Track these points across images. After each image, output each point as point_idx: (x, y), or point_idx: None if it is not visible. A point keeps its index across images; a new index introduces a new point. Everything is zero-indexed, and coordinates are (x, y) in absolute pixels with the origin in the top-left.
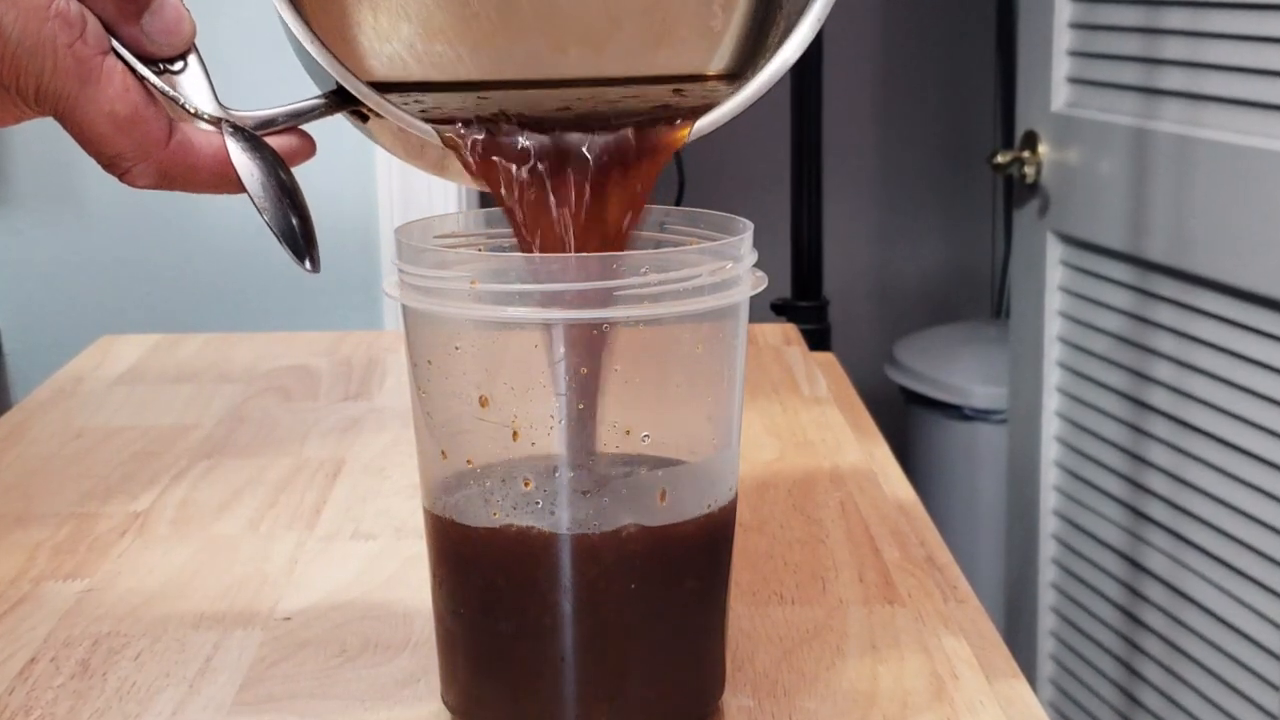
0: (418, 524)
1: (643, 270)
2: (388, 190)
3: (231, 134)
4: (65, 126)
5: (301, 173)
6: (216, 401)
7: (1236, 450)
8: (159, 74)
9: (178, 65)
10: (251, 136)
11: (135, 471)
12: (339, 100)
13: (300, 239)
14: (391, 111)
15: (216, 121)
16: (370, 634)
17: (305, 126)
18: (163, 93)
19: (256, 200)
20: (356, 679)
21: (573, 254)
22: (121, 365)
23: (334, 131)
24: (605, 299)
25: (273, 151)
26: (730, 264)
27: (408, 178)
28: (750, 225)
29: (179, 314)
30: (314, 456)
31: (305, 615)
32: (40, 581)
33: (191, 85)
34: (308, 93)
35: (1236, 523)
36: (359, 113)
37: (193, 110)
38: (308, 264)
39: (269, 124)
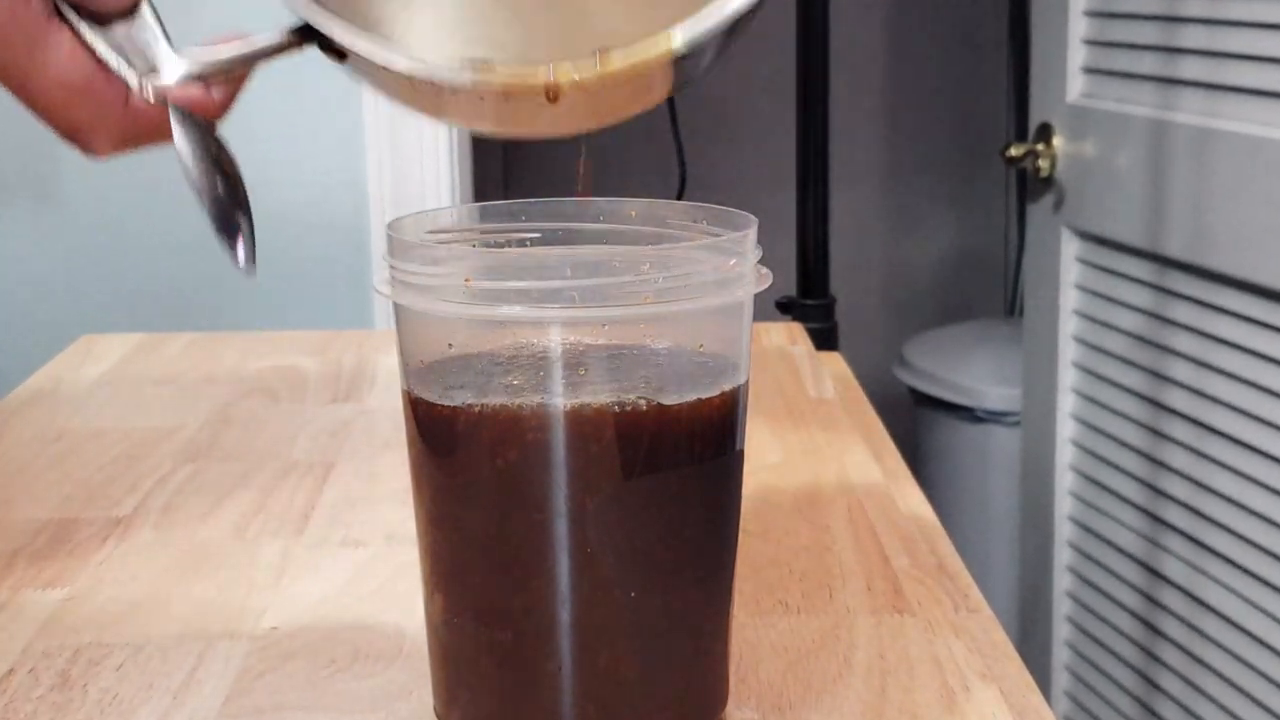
0: (409, 530)
1: (643, 267)
2: (378, 183)
3: (180, 126)
4: (20, 98)
5: (290, 164)
6: (201, 403)
7: (1259, 454)
8: (106, 29)
9: (128, 18)
10: (201, 133)
11: (117, 475)
12: (304, 36)
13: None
14: (367, 49)
15: (162, 100)
16: (360, 644)
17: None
18: (107, 60)
19: (195, 193)
20: (346, 690)
21: (570, 250)
22: (103, 365)
23: (324, 123)
24: (604, 296)
25: (218, 145)
26: (734, 260)
27: (399, 170)
28: (754, 220)
29: (162, 312)
30: (302, 460)
31: (293, 625)
32: (19, 589)
33: (143, 38)
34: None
35: (1259, 529)
36: (336, 51)
37: (135, 85)
38: (243, 262)
39: (224, 68)
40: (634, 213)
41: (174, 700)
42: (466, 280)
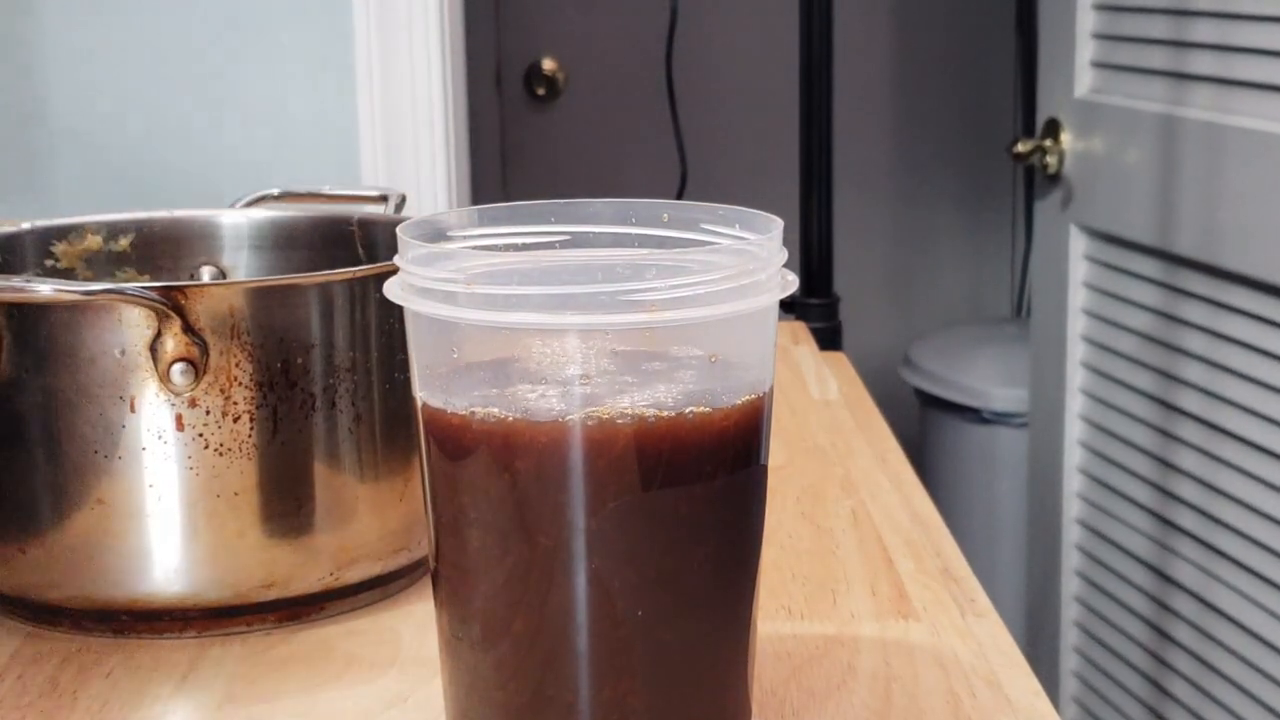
0: None
1: (655, 271)
2: (373, 183)
3: None
4: None
5: (286, 161)
6: None
7: (1270, 455)
8: None
9: None
10: None
11: None
12: None
13: None
14: None
15: None
16: (355, 650)
17: None
18: None
19: None
20: (340, 698)
21: (582, 254)
22: None
23: (320, 120)
24: (615, 303)
25: None
26: (756, 265)
27: (395, 172)
28: (779, 223)
29: None
30: None
31: (286, 630)
32: None
33: None
34: None
35: (1270, 531)
36: None
37: None
38: None
39: None
40: (667, 216)
41: (165, 707)
42: (468, 285)
